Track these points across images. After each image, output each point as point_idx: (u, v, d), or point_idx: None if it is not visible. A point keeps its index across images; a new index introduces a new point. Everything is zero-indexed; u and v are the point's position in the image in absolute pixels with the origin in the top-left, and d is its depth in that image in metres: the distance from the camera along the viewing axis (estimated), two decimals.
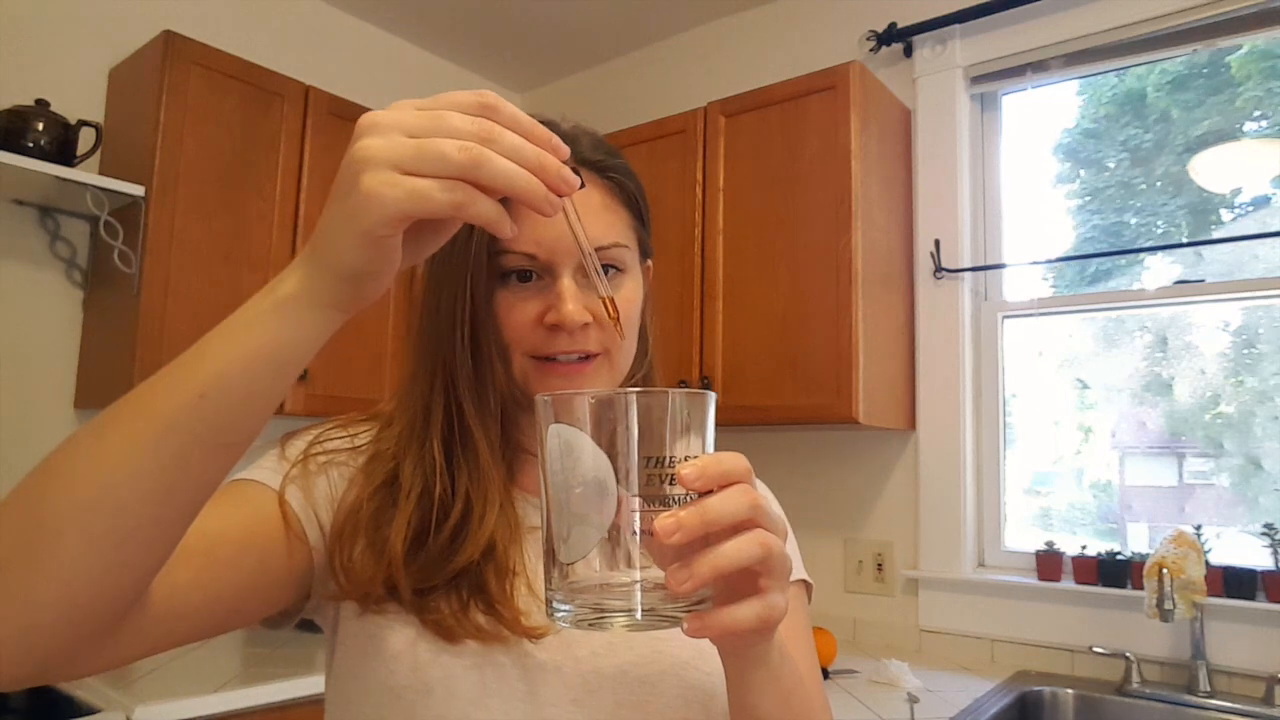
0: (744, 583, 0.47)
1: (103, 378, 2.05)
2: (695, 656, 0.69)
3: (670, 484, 0.45)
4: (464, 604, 0.65)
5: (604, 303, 0.58)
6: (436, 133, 0.44)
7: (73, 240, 2.16)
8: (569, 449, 0.46)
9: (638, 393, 0.45)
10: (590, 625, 0.46)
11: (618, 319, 0.60)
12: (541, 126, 0.47)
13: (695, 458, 0.45)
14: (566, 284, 0.66)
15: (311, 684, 1.72)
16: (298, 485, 0.67)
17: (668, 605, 0.45)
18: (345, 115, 2.36)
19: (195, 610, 0.57)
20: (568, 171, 0.47)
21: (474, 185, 0.45)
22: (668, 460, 0.45)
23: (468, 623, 0.64)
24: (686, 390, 0.47)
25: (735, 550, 0.44)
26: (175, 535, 0.49)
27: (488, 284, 0.68)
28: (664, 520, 0.43)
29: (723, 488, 0.45)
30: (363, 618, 0.66)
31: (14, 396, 2.03)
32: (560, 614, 0.46)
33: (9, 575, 0.45)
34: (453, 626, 0.64)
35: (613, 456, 0.45)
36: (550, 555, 0.47)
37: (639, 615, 0.45)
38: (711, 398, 0.48)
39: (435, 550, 0.65)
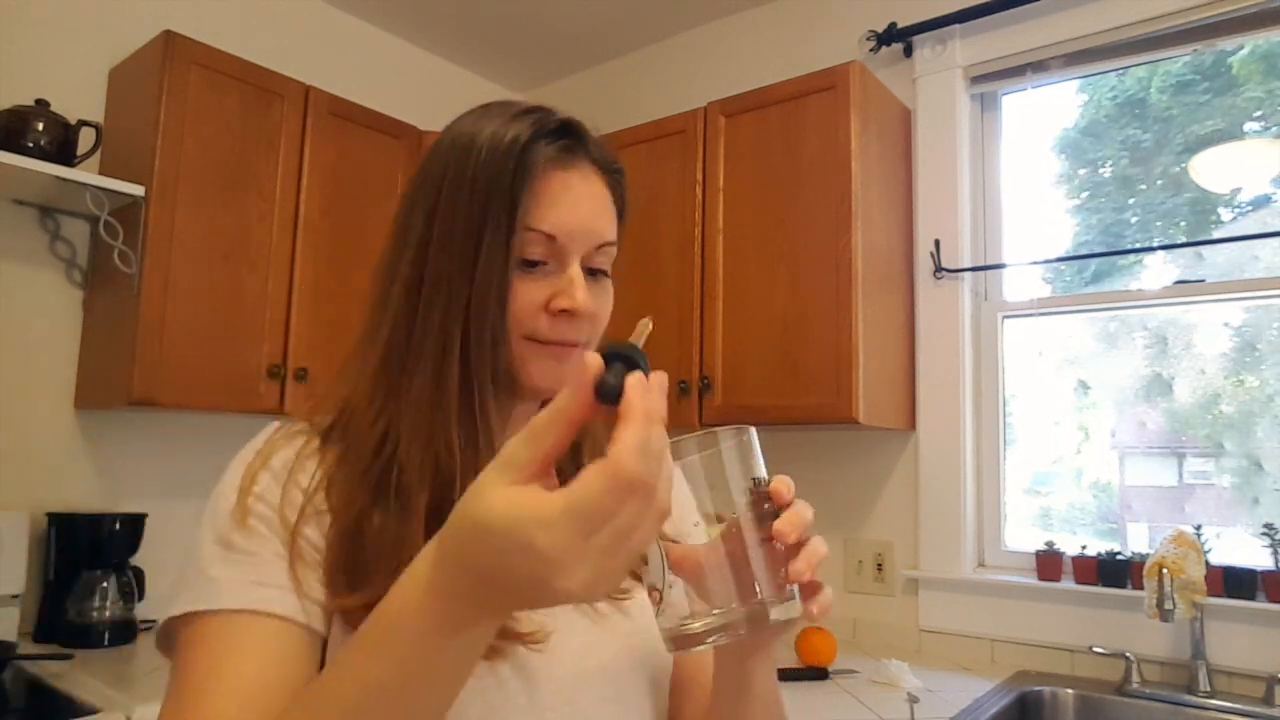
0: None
1: (103, 378, 2.05)
2: (654, 650, 0.73)
3: (766, 502, 0.57)
4: None
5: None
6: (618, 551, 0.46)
7: (73, 240, 2.16)
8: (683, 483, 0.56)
9: (735, 430, 0.57)
10: (741, 634, 0.56)
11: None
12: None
13: (769, 478, 0.58)
14: (576, 272, 0.68)
15: None
16: (305, 599, 0.62)
17: (774, 601, 0.56)
18: (345, 115, 2.36)
19: None
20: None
21: None
22: (762, 482, 0.58)
23: None
24: (741, 426, 0.58)
25: (819, 545, 0.58)
26: None
27: (502, 270, 0.66)
28: (781, 524, 0.56)
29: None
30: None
31: (14, 396, 2.03)
32: (711, 637, 0.55)
33: None
34: None
35: (724, 487, 0.56)
36: (661, 588, 0.56)
37: (774, 613, 0.55)
38: (754, 430, 0.60)
39: None
